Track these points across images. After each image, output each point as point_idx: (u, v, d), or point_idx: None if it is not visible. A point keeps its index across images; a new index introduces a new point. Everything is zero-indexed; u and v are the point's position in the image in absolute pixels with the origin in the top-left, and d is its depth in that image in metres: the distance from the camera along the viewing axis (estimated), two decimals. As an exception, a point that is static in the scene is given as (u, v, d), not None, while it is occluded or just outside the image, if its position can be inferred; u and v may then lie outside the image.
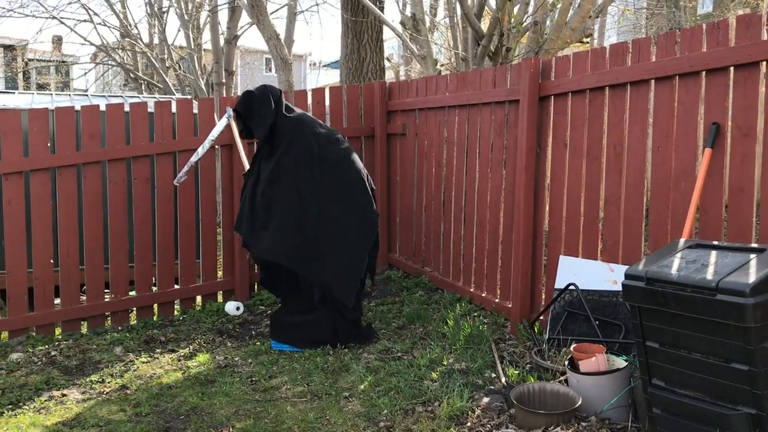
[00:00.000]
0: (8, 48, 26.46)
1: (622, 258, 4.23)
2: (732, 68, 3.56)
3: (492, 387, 4.06)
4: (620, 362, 3.63)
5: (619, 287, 4.03)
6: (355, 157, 5.19)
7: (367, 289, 6.22)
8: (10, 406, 4.20)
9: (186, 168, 5.55)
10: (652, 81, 4.02)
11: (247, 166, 5.55)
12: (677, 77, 3.86)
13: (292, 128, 5.05)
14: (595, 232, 4.47)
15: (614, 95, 4.30)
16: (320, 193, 4.92)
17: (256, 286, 6.41)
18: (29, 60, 26.38)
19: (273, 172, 4.94)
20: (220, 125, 5.65)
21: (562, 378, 3.79)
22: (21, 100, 8.57)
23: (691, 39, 3.78)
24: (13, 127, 5.40)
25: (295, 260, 4.87)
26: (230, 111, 5.65)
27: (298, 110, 5.26)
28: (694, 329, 2.79)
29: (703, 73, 3.71)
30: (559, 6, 7.70)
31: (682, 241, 3.23)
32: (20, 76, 25.37)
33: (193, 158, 5.56)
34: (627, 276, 3.02)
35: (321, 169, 4.97)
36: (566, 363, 3.71)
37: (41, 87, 25.49)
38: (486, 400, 3.83)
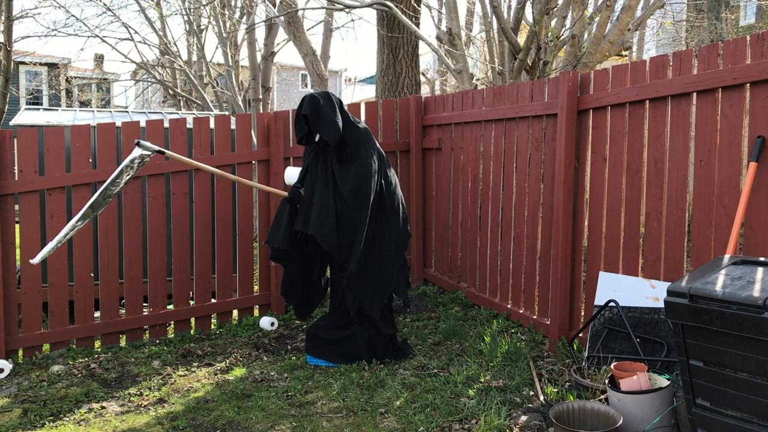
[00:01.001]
0: (52, 66, 27.15)
1: (663, 274, 4.14)
2: (777, 80, 3.48)
3: (530, 405, 3.99)
4: (662, 381, 3.55)
5: (660, 304, 3.95)
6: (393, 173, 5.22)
7: (401, 304, 6.20)
8: (51, 418, 4.26)
9: (53, 243, 4.56)
10: (694, 94, 3.95)
11: (282, 193, 5.24)
12: (720, 90, 3.78)
13: (367, 139, 4.98)
14: (636, 248, 4.39)
15: (655, 109, 4.23)
16: (380, 207, 4.95)
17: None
18: (71, 78, 27.04)
19: (354, 182, 4.81)
20: (126, 162, 4.66)
21: (602, 397, 3.71)
22: (64, 116, 8.76)
23: (735, 51, 3.71)
24: (57, 143, 5.52)
25: (376, 272, 4.90)
26: (138, 150, 4.67)
27: (361, 122, 5.19)
28: (740, 348, 2.71)
29: (748, 85, 3.63)
30: (597, 19, 7.64)
31: (726, 257, 3.15)
32: (63, 93, 26.00)
33: (85, 208, 4.59)
34: (670, 293, 2.95)
35: (382, 184, 4.98)
36: (606, 381, 3.63)
37: (83, 104, 26.10)
38: (524, 418, 3.77)
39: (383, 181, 4.99)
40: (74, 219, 4.57)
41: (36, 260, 4.55)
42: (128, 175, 4.68)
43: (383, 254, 4.95)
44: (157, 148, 4.75)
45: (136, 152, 4.64)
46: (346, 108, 5.08)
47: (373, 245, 4.91)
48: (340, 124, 4.87)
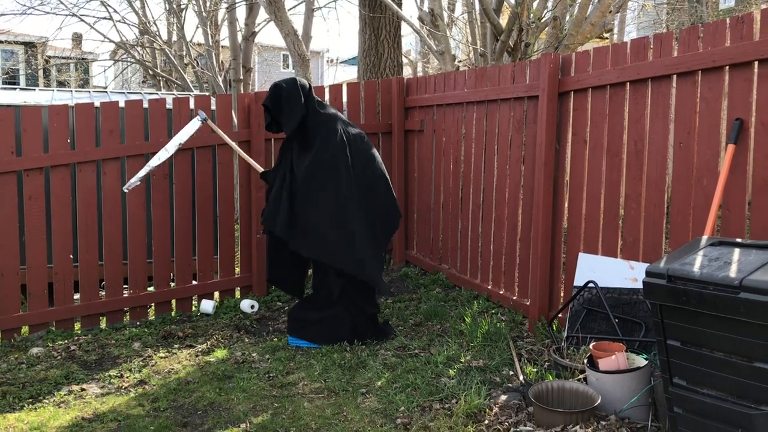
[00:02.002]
0: (28, 45, 26.72)
1: (642, 255, 4.18)
2: (756, 63, 3.50)
3: (510, 385, 4.03)
4: (640, 361, 3.60)
5: (639, 285, 4.00)
6: (378, 158, 5.20)
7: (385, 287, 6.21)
8: (30, 400, 4.23)
9: (142, 173, 5.25)
10: (674, 76, 3.97)
11: (258, 167, 5.55)
12: (700, 72, 3.81)
13: (327, 125, 4.99)
14: (615, 230, 4.43)
15: (635, 91, 4.25)
16: (354, 190, 4.91)
17: (273, 282, 6.42)
18: (49, 57, 26.64)
19: (310, 168, 4.88)
20: (188, 129, 5.42)
21: (581, 376, 3.76)
22: (41, 96, 8.64)
23: (714, 34, 3.73)
24: (34, 123, 5.45)
25: (335, 256, 4.86)
26: (203, 114, 5.52)
27: (329, 106, 5.22)
28: (716, 328, 2.75)
29: (727, 68, 3.66)
30: (578, 1, 7.64)
31: (704, 238, 3.18)
32: (40, 73, 25.61)
33: (153, 162, 5.28)
34: (648, 273, 2.98)
35: (354, 166, 4.96)
36: (585, 361, 3.68)
37: (61, 84, 25.75)
38: (504, 397, 3.80)
39: (353, 164, 4.96)
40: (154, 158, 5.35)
41: (126, 188, 5.27)
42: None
43: (374, 235, 4.98)
44: (204, 116, 5.54)
45: (197, 120, 5.50)
46: (313, 93, 5.12)
47: (361, 226, 4.90)
48: (302, 112, 4.93)
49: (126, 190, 5.31)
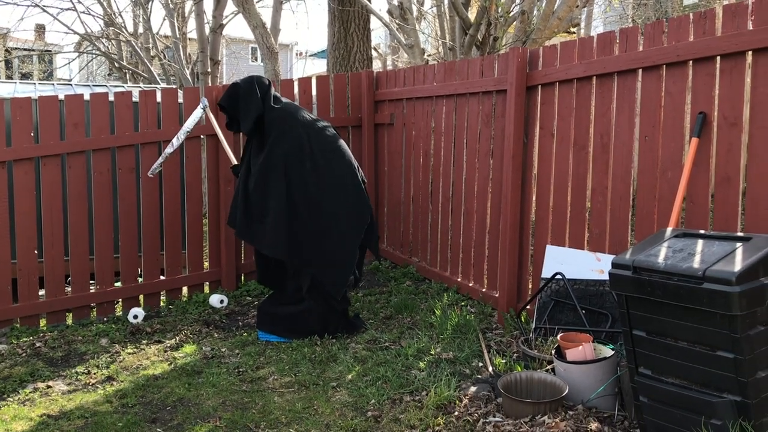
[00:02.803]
0: (-10, 36, 26.12)
1: (608, 247, 4.24)
2: (718, 58, 3.57)
3: (479, 376, 4.06)
4: (607, 351, 3.65)
5: (605, 276, 4.05)
6: (345, 146, 5.15)
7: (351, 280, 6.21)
8: (-6, 398, 4.17)
9: (161, 159, 5.45)
10: (640, 71, 4.03)
11: (233, 159, 5.50)
12: (664, 67, 3.86)
13: (281, 119, 4.97)
14: (582, 222, 4.48)
15: (601, 85, 4.30)
16: (312, 185, 4.88)
17: (242, 277, 6.40)
18: (11, 48, 26.08)
19: (264, 165, 4.86)
20: (194, 116, 5.56)
21: (549, 367, 3.80)
22: (3, 89, 8.47)
23: (678, 29, 3.78)
24: (-4, 116, 5.34)
25: (292, 253, 4.84)
26: (205, 101, 5.63)
27: (285, 100, 5.21)
28: (680, 318, 2.80)
29: (690, 62, 3.72)
30: (546, -5, 7.69)
31: (669, 230, 3.24)
32: (2, 64, 25.07)
33: (168, 149, 5.43)
34: (614, 265, 3.03)
35: (312, 160, 4.91)
36: (553, 352, 3.72)
37: (24, 76, 25.25)
38: (473, 389, 3.84)
39: (315, 159, 4.93)
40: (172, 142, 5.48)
41: (151, 173, 5.54)
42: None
43: (338, 232, 4.94)
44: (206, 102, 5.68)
45: (203, 105, 5.66)
46: (272, 90, 5.13)
47: (320, 223, 4.89)
48: (258, 110, 4.95)
49: (151, 175, 5.58)
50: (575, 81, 4.49)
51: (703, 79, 3.66)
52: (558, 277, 4.28)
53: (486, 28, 7.36)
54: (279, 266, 5.15)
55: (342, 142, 5.16)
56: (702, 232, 3.17)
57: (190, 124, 5.51)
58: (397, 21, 8.65)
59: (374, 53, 12.40)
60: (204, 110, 5.62)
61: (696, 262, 2.78)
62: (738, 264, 2.66)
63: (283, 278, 5.20)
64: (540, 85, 4.78)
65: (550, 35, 7.58)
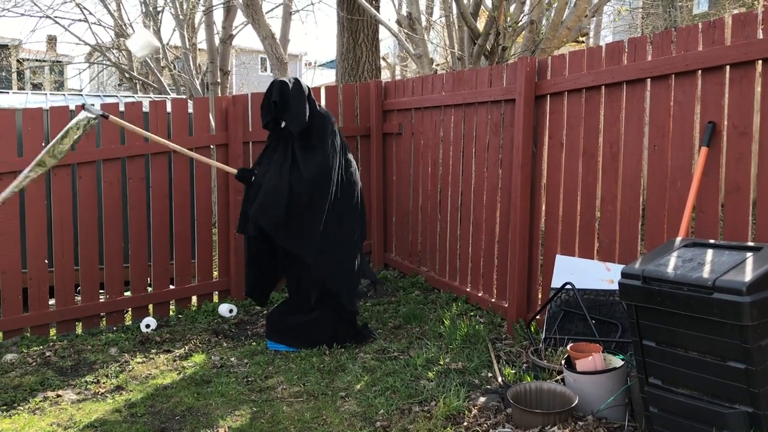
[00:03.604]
0: (2, 47, 26.36)
1: (618, 257, 4.23)
2: (728, 67, 3.56)
3: (489, 386, 4.05)
4: (617, 361, 3.63)
5: (615, 286, 4.03)
6: (353, 159, 5.25)
7: (362, 289, 6.23)
8: (4, 407, 4.18)
9: (11, 188, 4.65)
10: (648, 80, 4.02)
11: (231, 170, 5.39)
12: (673, 76, 3.86)
13: (328, 128, 4.97)
14: (592, 232, 4.47)
15: (610, 94, 4.30)
16: (338, 201, 4.92)
17: (251, 286, 6.40)
18: (23, 59, 26.30)
19: (318, 172, 4.81)
20: (72, 123, 4.71)
21: (558, 377, 3.78)
22: (15, 99, 8.54)
23: (687, 38, 3.78)
24: (8, 127, 5.38)
25: (317, 262, 4.86)
26: (84, 113, 4.76)
27: (323, 108, 5.17)
28: (690, 328, 2.79)
29: (699, 71, 3.71)
30: (555, 5, 7.71)
31: (678, 239, 3.23)
32: (14, 75, 25.29)
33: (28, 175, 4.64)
34: (624, 275, 3.02)
35: (339, 174, 4.95)
36: (563, 362, 3.70)
37: (36, 87, 25.44)
38: (482, 399, 3.82)
39: (343, 173, 4.98)
40: (25, 171, 4.68)
41: None
42: (77, 135, 4.74)
43: (353, 248, 5.01)
44: (101, 112, 4.84)
45: (82, 115, 4.74)
46: (312, 95, 5.06)
47: (339, 236, 4.92)
48: (307, 112, 4.85)
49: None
50: (584, 90, 4.49)
51: (712, 88, 3.65)
52: (568, 287, 4.26)
53: (495, 38, 7.37)
54: (271, 277, 5.19)
55: (350, 154, 5.22)
56: (712, 241, 3.16)
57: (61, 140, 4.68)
58: (405, 31, 8.67)
59: (383, 63, 12.44)
60: (89, 120, 4.77)
61: (706, 272, 2.77)
62: (749, 274, 2.64)
63: (270, 291, 5.28)
64: (549, 94, 4.78)
65: (558, 45, 7.58)
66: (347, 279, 4.98)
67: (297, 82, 4.94)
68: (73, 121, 4.72)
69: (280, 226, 4.77)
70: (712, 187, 3.65)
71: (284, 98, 4.83)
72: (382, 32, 9.23)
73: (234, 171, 5.33)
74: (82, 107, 4.81)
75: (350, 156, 5.17)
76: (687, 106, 3.80)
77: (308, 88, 5.01)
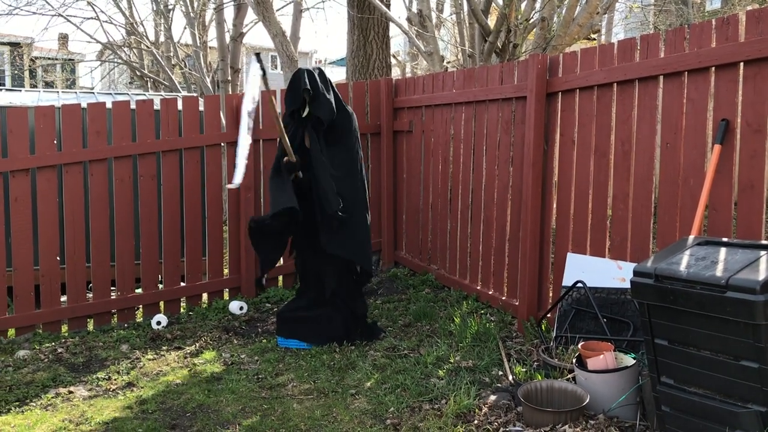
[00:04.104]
0: (14, 45, 26.52)
1: (630, 255, 4.20)
2: (742, 64, 3.53)
3: (499, 385, 4.04)
4: (628, 360, 3.61)
5: (627, 285, 4.01)
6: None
7: (372, 286, 6.23)
8: (17, 403, 4.20)
9: (241, 163, 4.64)
10: (661, 77, 3.99)
11: (292, 156, 4.90)
12: (686, 73, 3.83)
13: (352, 120, 5.03)
14: (603, 230, 4.45)
15: (622, 91, 4.27)
16: (360, 190, 5.01)
17: (262, 284, 6.42)
18: (35, 58, 26.45)
19: (343, 168, 4.87)
20: (252, 86, 4.66)
21: (569, 376, 3.77)
22: (27, 97, 8.58)
23: (700, 35, 3.75)
24: (20, 124, 5.41)
25: (358, 256, 4.97)
26: (257, 63, 4.68)
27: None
28: (703, 327, 2.77)
29: (713, 68, 3.68)
30: (566, 2, 7.67)
31: (691, 238, 3.21)
32: (26, 73, 25.43)
33: (242, 151, 4.67)
34: (636, 273, 3.00)
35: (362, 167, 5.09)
36: (574, 361, 3.69)
37: (48, 84, 25.58)
38: (493, 397, 3.81)
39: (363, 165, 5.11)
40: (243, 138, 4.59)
41: (233, 185, 4.64)
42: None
43: (366, 234, 5.08)
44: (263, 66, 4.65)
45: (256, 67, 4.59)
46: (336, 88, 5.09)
47: (363, 227, 5.01)
48: (334, 103, 4.88)
49: (234, 187, 4.71)
50: (596, 88, 4.46)
51: (725, 85, 3.62)
52: (579, 285, 4.24)
53: (506, 35, 7.35)
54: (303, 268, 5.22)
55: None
56: (725, 240, 3.13)
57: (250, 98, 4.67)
58: (416, 28, 8.66)
59: (393, 61, 12.42)
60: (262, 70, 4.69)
61: (719, 271, 2.75)
62: (762, 272, 2.62)
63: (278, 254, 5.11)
64: (560, 91, 4.76)
65: (570, 42, 7.54)
66: (362, 252, 5.02)
67: (321, 72, 4.96)
68: (252, 74, 4.61)
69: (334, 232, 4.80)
70: (725, 185, 3.62)
71: (315, 87, 4.76)
72: (393, 30, 9.22)
73: (294, 158, 4.83)
74: (257, 56, 4.63)
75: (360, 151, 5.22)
76: (700, 104, 3.77)
77: (330, 80, 5.03)
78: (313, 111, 4.77)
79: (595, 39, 13.68)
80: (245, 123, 4.63)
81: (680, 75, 3.86)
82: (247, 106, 4.61)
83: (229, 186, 4.80)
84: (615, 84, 4.31)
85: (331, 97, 4.86)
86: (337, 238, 4.81)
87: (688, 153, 3.83)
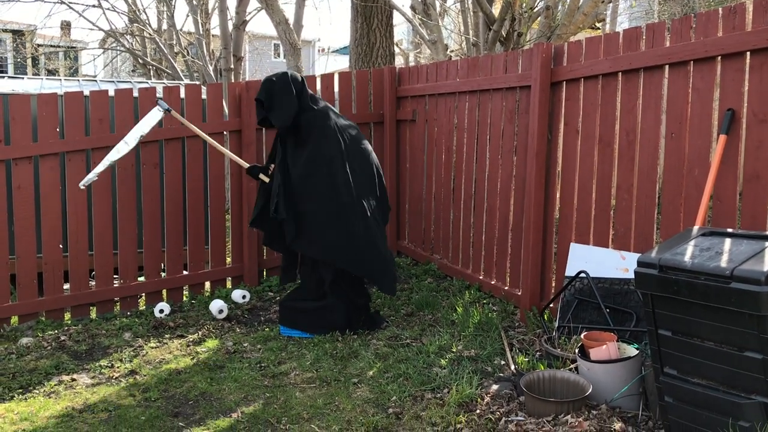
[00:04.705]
0: (17, 33, 26.45)
1: (633, 246, 4.19)
2: (748, 53, 3.50)
3: (501, 374, 4.04)
4: (631, 350, 3.61)
5: (630, 275, 4.01)
6: (372, 151, 5.21)
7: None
8: (20, 390, 4.21)
9: (100, 168, 5.05)
10: (666, 66, 3.97)
11: (242, 163, 5.51)
12: (692, 63, 3.80)
13: (321, 120, 4.95)
14: (607, 220, 4.43)
15: (627, 81, 4.25)
16: (353, 188, 4.89)
17: (265, 273, 6.42)
18: (38, 45, 26.40)
19: (307, 167, 4.84)
20: (149, 119, 5.26)
21: (572, 366, 3.77)
22: (30, 85, 8.56)
23: (707, 24, 3.72)
24: (23, 112, 5.40)
25: (339, 255, 4.86)
26: (164, 104, 5.41)
27: (322, 101, 5.18)
28: (707, 317, 2.76)
29: (719, 58, 3.66)
30: (571, -9, 7.62)
31: (695, 228, 3.19)
32: (29, 61, 25.39)
33: (113, 155, 5.07)
34: (639, 263, 2.98)
35: (351, 163, 4.93)
36: (576, 351, 3.69)
37: (50, 72, 25.54)
38: (495, 387, 3.81)
39: (350, 160, 4.94)
40: (106, 156, 5.14)
41: (82, 185, 5.03)
42: (149, 127, 5.28)
43: (379, 233, 4.99)
44: (167, 107, 5.41)
45: (156, 110, 5.34)
46: (307, 88, 5.06)
47: (365, 225, 4.90)
48: (295, 108, 4.88)
49: (82, 187, 5.05)
50: (600, 77, 4.43)
51: (731, 75, 3.60)
52: (582, 275, 4.24)
53: (510, 24, 7.31)
54: (301, 264, 5.18)
55: (366, 143, 5.18)
56: (730, 230, 3.12)
57: (143, 128, 5.23)
58: (420, 16, 8.62)
59: (396, 49, 12.37)
60: (166, 112, 5.38)
61: (724, 261, 2.74)
62: (767, 263, 2.61)
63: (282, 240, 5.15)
64: (565, 81, 4.74)
65: (575, 31, 7.50)
66: (382, 272, 4.97)
67: (284, 77, 4.99)
68: (149, 115, 5.28)
69: (292, 237, 4.84)
70: (730, 176, 3.60)
71: (269, 96, 4.92)
72: (396, 18, 9.17)
73: (246, 165, 5.44)
74: (157, 102, 5.41)
75: (361, 142, 5.12)
76: (706, 93, 3.74)
77: (300, 81, 5.01)
78: (271, 119, 4.97)
79: (599, 28, 13.62)
80: (121, 146, 5.13)
81: (686, 64, 3.83)
82: (130, 135, 5.19)
83: (80, 184, 5.07)
84: (620, 73, 4.28)
85: (292, 100, 4.88)
86: (302, 237, 4.86)
87: (693, 143, 3.81)
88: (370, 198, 4.98)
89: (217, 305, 5.53)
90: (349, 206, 4.84)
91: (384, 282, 4.99)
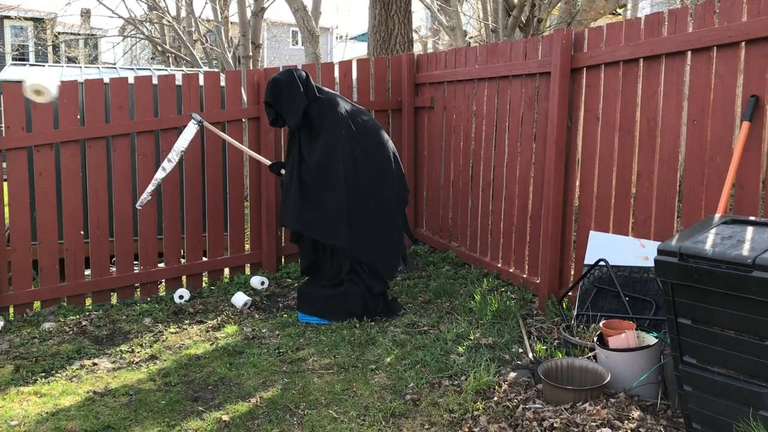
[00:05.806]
0: (37, 21, 26.64)
1: (654, 234, 4.16)
2: (773, 38, 3.45)
3: (519, 362, 4.04)
4: (650, 339, 3.59)
5: (650, 263, 3.98)
6: (384, 133, 5.20)
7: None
8: (43, 374, 4.28)
9: (151, 188, 5.26)
10: (689, 52, 3.92)
11: (265, 161, 5.63)
12: (715, 48, 3.75)
13: (330, 108, 4.97)
14: (627, 208, 4.40)
15: (649, 67, 4.20)
16: (363, 175, 4.94)
17: (283, 259, 6.45)
18: (58, 33, 26.57)
19: (319, 157, 4.87)
20: (186, 134, 5.42)
21: (590, 354, 3.75)
22: (51, 72, 8.62)
23: (731, 9, 3.67)
24: (44, 99, 5.43)
25: (352, 243, 4.90)
26: (198, 116, 5.52)
27: (326, 89, 5.20)
28: (728, 306, 2.73)
29: (743, 43, 3.60)
30: (591, -24, 7.54)
31: (717, 216, 3.16)
32: (50, 49, 25.57)
33: (159, 175, 5.28)
34: (660, 252, 2.96)
35: (361, 149, 4.97)
36: (595, 339, 3.67)
37: (70, 60, 25.71)
38: (513, 375, 3.81)
39: (362, 146, 4.98)
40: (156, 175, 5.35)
41: (138, 205, 5.32)
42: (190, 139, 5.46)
43: (390, 220, 5.05)
44: (200, 119, 5.55)
45: (192, 124, 5.49)
46: (311, 80, 5.07)
47: (374, 213, 4.98)
48: (304, 102, 4.91)
49: (139, 207, 5.34)
50: (621, 63, 4.39)
51: (756, 60, 3.54)
52: (601, 263, 4.21)
53: (530, 10, 7.25)
54: (319, 251, 5.19)
55: (382, 130, 5.18)
56: (752, 218, 3.08)
57: (182, 144, 5.38)
58: (438, 2, 8.56)
59: (415, 36, 12.32)
60: (200, 125, 5.51)
61: (745, 250, 2.70)
62: (790, 252, 2.58)
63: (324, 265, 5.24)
64: (585, 67, 4.69)
65: (595, 16, 7.43)
66: (388, 256, 5.05)
67: (288, 74, 5.00)
68: (186, 130, 5.44)
69: (300, 221, 4.91)
70: (753, 163, 3.56)
71: (277, 96, 4.95)
72: (415, 4, 9.12)
73: (267, 162, 5.57)
74: (191, 116, 5.56)
75: (374, 128, 5.13)
76: (729, 79, 3.69)
77: (305, 76, 5.04)
78: (284, 118, 5.02)
79: (620, 14, 13.45)
80: (166, 164, 5.30)
81: (709, 50, 3.78)
82: (172, 153, 5.34)
83: (137, 205, 5.34)
84: (641, 59, 4.24)
85: (300, 95, 4.91)
86: (303, 217, 4.93)
87: (716, 130, 3.76)
88: (382, 184, 5.02)
89: (242, 299, 5.49)
90: (358, 193, 4.92)
91: (385, 268, 5.07)
